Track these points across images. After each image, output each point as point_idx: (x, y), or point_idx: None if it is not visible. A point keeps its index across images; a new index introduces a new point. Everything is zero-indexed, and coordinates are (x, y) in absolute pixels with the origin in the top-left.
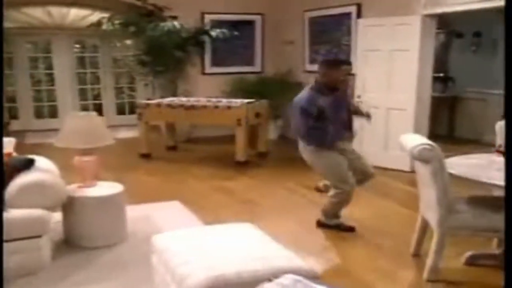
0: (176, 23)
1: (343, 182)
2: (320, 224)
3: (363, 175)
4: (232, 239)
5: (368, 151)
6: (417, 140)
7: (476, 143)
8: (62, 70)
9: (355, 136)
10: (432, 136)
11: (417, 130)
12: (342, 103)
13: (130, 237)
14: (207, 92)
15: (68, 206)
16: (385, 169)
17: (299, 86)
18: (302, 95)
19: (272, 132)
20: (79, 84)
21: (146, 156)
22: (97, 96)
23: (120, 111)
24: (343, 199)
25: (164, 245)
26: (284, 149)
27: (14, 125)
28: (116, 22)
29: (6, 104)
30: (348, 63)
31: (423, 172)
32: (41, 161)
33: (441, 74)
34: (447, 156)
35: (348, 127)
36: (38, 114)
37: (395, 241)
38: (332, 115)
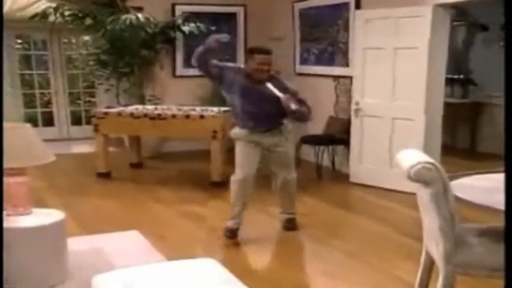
0: (140, 15)
1: (237, 167)
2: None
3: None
4: (186, 280)
5: (368, 170)
6: (415, 158)
7: (503, 159)
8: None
9: (284, 134)
10: (449, 150)
11: (427, 144)
12: (252, 90)
13: (71, 278)
14: (179, 98)
15: None
16: (389, 190)
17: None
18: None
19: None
20: (24, 88)
21: (104, 176)
22: (47, 103)
23: (76, 121)
24: (233, 189)
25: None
26: None
27: None
28: (67, 13)
29: None
30: (264, 51)
31: (423, 196)
32: None
33: (461, 76)
34: (463, 175)
35: (263, 120)
36: None
37: (394, 279)
38: (229, 94)
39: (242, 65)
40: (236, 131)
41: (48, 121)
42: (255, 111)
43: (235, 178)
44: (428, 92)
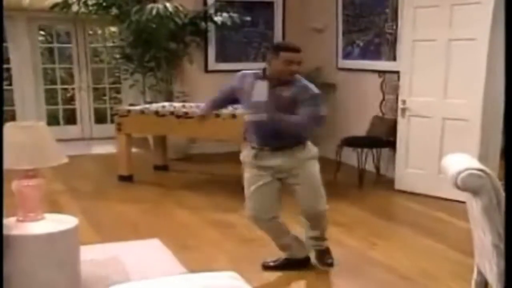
0: (168, 4)
1: (246, 199)
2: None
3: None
4: None
5: (415, 176)
6: (463, 163)
7: None
8: (22, 65)
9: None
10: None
11: (484, 148)
12: (274, 96)
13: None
14: (210, 95)
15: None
16: (438, 198)
17: (331, 88)
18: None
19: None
20: (45, 83)
21: (125, 179)
22: (70, 100)
23: (100, 119)
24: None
25: None
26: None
27: None
28: (90, 2)
29: None
30: (293, 49)
31: (473, 207)
32: None
33: None
34: None
35: (276, 132)
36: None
37: None
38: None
39: (257, 70)
40: (243, 153)
41: (70, 119)
42: (266, 121)
43: (246, 213)
44: (486, 89)
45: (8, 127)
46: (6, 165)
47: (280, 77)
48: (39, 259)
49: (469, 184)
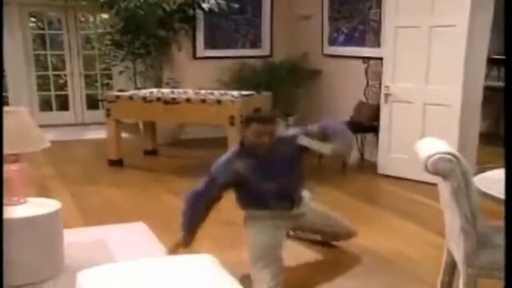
0: None
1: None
2: None
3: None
4: (173, 277)
5: (397, 160)
6: (434, 147)
7: None
8: (14, 52)
9: (304, 202)
10: (491, 139)
11: (464, 133)
12: (266, 165)
13: (66, 271)
14: (199, 81)
15: None
16: (419, 182)
17: (317, 74)
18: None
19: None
20: (38, 70)
21: (115, 163)
22: (62, 86)
23: (92, 105)
24: None
25: (85, 285)
26: None
27: None
28: None
29: None
30: (263, 120)
31: (443, 190)
32: None
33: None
34: (495, 168)
35: (286, 193)
36: None
37: (416, 281)
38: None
39: (233, 149)
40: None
41: (63, 105)
42: (274, 184)
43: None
44: (466, 75)
45: None
46: None
47: (256, 150)
48: (21, 242)
49: (439, 168)
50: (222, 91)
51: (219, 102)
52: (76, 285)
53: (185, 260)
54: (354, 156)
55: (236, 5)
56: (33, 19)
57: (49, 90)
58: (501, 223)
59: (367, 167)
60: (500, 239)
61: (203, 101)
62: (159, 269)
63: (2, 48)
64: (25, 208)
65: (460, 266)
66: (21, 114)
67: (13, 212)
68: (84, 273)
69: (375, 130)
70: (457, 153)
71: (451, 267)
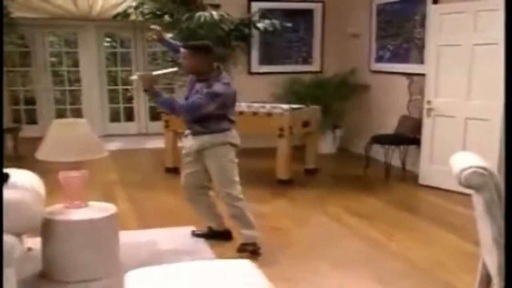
0: (215, 12)
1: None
2: None
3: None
4: (210, 282)
5: (439, 172)
6: (468, 161)
7: None
8: (89, 68)
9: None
10: None
11: (504, 147)
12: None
13: (123, 269)
14: (253, 95)
15: (47, 231)
16: (459, 193)
17: (364, 89)
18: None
19: (328, 144)
20: (109, 84)
21: (171, 171)
22: (130, 99)
23: (155, 116)
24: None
25: (130, 285)
26: (340, 165)
27: (30, 131)
28: (146, 11)
29: (23, 107)
30: (184, 46)
31: (477, 203)
32: (22, 176)
33: None
34: None
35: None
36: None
37: None
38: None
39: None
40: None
41: (129, 116)
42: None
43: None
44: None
45: (54, 124)
46: (49, 157)
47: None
48: (80, 243)
49: (472, 182)
50: (274, 105)
51: (269, 115)
52: (124, 285)
53: (224, 264)
54: None
55: (289, 24)
56: (108, 38)
57: (118, 102)
58: None
59: (409, 177)
60: None
61: (255, 113)
62: (199, 272)
63: (2, 48)
64: (85, 212)
65: (494, 278)
66: (82, 126)
67: (74, 214)
68: (131, 274)
69: (417, 142)
70: (490, 168)
71: (487, 278)
